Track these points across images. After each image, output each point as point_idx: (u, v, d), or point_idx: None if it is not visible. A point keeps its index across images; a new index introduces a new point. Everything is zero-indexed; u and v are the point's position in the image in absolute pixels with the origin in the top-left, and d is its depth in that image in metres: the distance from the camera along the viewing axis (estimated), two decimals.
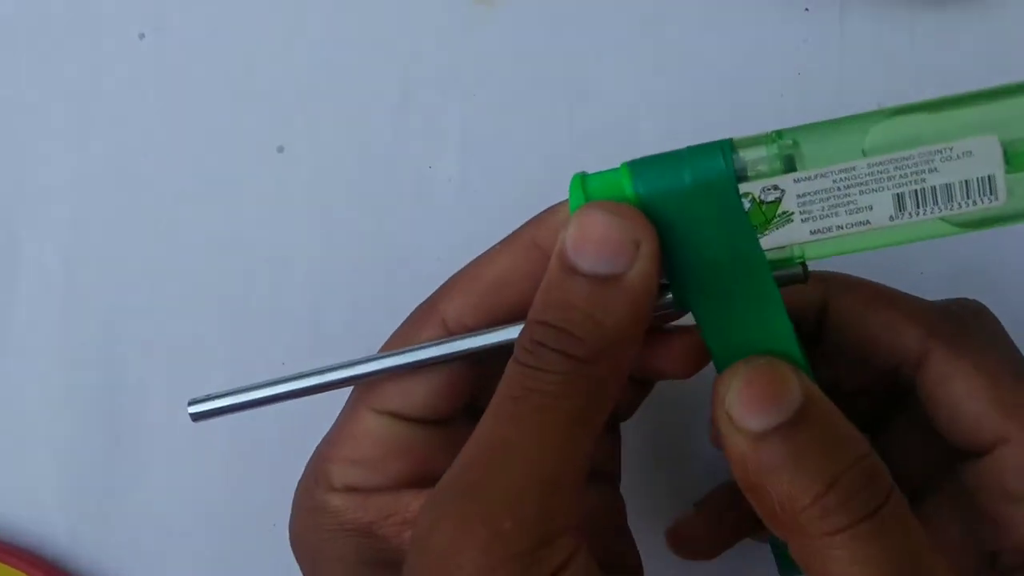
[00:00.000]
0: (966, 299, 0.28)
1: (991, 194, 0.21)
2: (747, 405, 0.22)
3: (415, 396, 0.26)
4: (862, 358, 0.26)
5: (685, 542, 0.31)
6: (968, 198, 0.21)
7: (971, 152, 0.21)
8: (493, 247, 0.26)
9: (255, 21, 0.36)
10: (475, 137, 0.35)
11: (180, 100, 0.36)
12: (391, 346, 0.27)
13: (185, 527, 0.35)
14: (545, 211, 0.25)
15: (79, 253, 0.36)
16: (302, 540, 0.27)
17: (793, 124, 0.22)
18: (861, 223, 0.22)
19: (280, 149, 0.36)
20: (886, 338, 0.26)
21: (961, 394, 0.25)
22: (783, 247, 0.22)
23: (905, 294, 0.27)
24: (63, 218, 0.36)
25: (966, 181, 0.21)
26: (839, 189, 0.21)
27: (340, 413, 0.28)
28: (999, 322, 0.27)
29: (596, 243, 0.22)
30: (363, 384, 0.27)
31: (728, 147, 0.22)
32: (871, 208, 0.21)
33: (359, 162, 0.35)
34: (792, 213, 0.22)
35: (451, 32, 0.35)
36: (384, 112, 0.35)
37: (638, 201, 0.22)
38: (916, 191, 0.21)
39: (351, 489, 0.26)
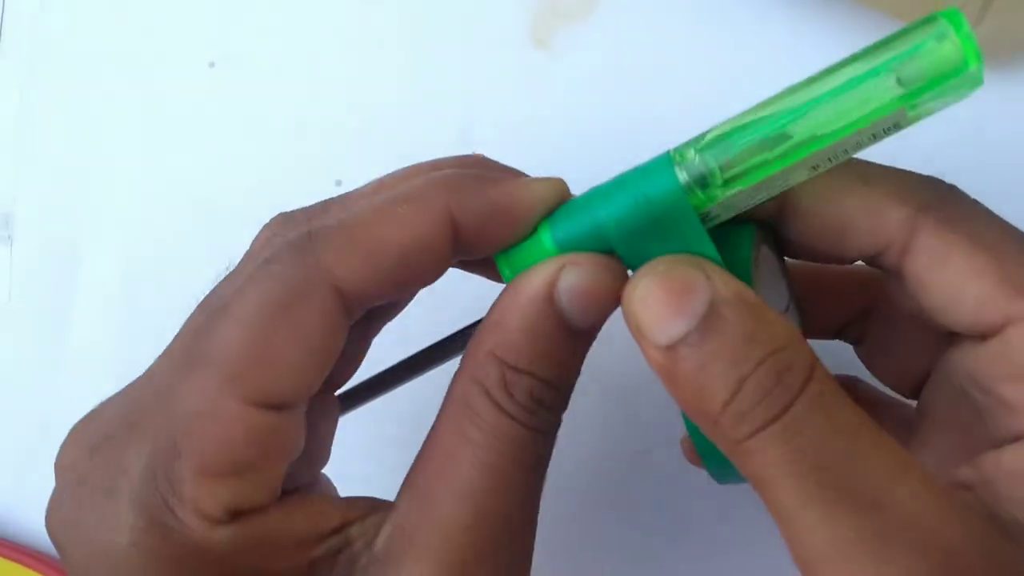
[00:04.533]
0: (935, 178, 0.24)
1: (899, 127, 0.21)
2: (652, 317, 0.20)
3: (300, 371, 0.21)
4: (832, 246, 0.23)
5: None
6: (876, 138, 0.21)
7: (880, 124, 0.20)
8: (389, 201, 0.22)
9: (320, 57, 0.37)
10: None
11: (244, 128, 0.37)
12: (251, 309, 0.21)
13: None
14: (464, 180, 0.23)
15: (138, 272, 0.37)
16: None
17: None
18: (783, 189, 0.22)
19: (338, 183, 0.36)
20: (864, 222, 0.22)
21: (960, 275, 0.22)
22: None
23: (883, 167, 0.23)
24: (126, 236, 0.37)
25: (873, 134, 0.21)
26: (758, 188, 0.22)
27: (166, 392, 0.21)
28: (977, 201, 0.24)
29: (598, 305, 0.22)
30: (219, 359, 0.20)
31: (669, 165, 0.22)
32: (789, 180, 0.22)
33: None
34: (718, 215, 0.22)
35: (511, 77, 0.35)
36: (441, 151, 0.36)
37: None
38: (828, 158, 0.21)
39: (236, 514, 0.20)
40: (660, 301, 0.21)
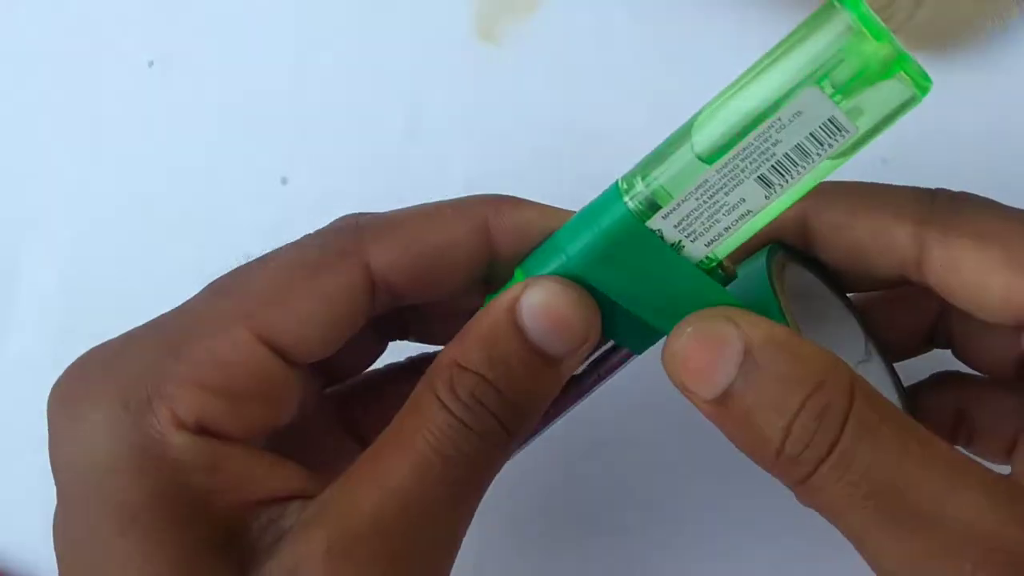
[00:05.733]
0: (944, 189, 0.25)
1: (842, 130, 0.21)
2: (693, 375, 0.21)
3: (313, 327, 0.22)
4: (859, 270, 0.24)
5: None
6: (823, 145, 0.21)
7: (800, 111, 0.20)
8: (435, 205, 0.24)
9: (262, 53, 0.36)
10: (480, 175, 0.35)
11: (185, 128, 0.36)
12: (283, 263, 0.23)
13: None
14: (503, 199, 0.24)
15: (78, 281, 0.36)
16: (78, 471, 0.21)
17: None
18: (743, 214, 0.22)
19: (284, 181, 0.36)
20: (876, 246, 0.23)
21: (977, 274, 0.22)
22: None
23: (891, 187, 0.24)
24: (63, 243, 0.36)
25: (811, 133, 0.21)
26: (705, 202, 0.22)
27: (185, 311, 0.22)
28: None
29: (560, 327, 0.22)
30: (240, 293, 0.22)
31: (618, 196, 0.22)
32: (744, 200, 0.22)
33: (363, 196, 0.35)
34: (679, 241, 0.22)
35: (457, 70, 0.35)
36: (389, 147, 0.36)
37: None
38: (773, 165, 0.21)
39: (202, 430, 0.21)
40: (697, 359, 0.21)
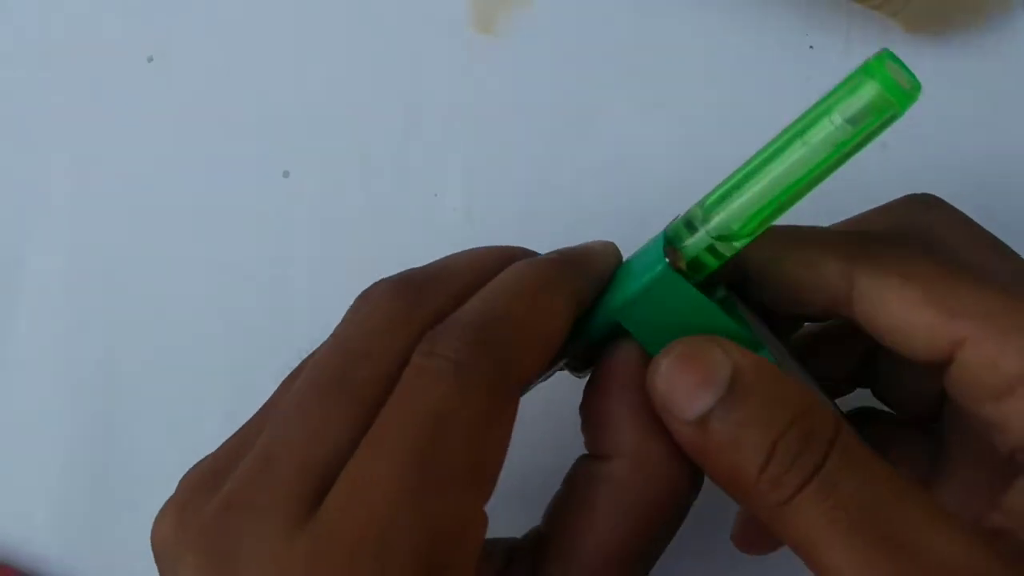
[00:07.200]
0: (916, 196, 0.26)
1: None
2: (678, 394, 0.22)
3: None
4: (791, 306, 0.25)
5: (750, 540, 0.29)
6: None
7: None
8: (533, 293, 0.24)
9: (261, 47, 0.36)
10: (479, 166, 0.35)
11: (186, 123, 0.36)
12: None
13: None
14: (575, 264, 0.25)
15: (81, 276, 0.36)
16: None
17: None
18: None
19: (285, 174, 0.36)
20: (807, 280, 0.24)
21: (900, 311, 0.23)
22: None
23: (824, 229, 0.25)
24: (66, 239, 0.36)
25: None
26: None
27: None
28: (955, 211, 0.26)
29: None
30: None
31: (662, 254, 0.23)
32: None
33: (364, 189, 0.35)
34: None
35: (454, 61, 0.36)
36: (389, 138, 0.36)
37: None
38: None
39: None
40: (683, 378, 0.22)
